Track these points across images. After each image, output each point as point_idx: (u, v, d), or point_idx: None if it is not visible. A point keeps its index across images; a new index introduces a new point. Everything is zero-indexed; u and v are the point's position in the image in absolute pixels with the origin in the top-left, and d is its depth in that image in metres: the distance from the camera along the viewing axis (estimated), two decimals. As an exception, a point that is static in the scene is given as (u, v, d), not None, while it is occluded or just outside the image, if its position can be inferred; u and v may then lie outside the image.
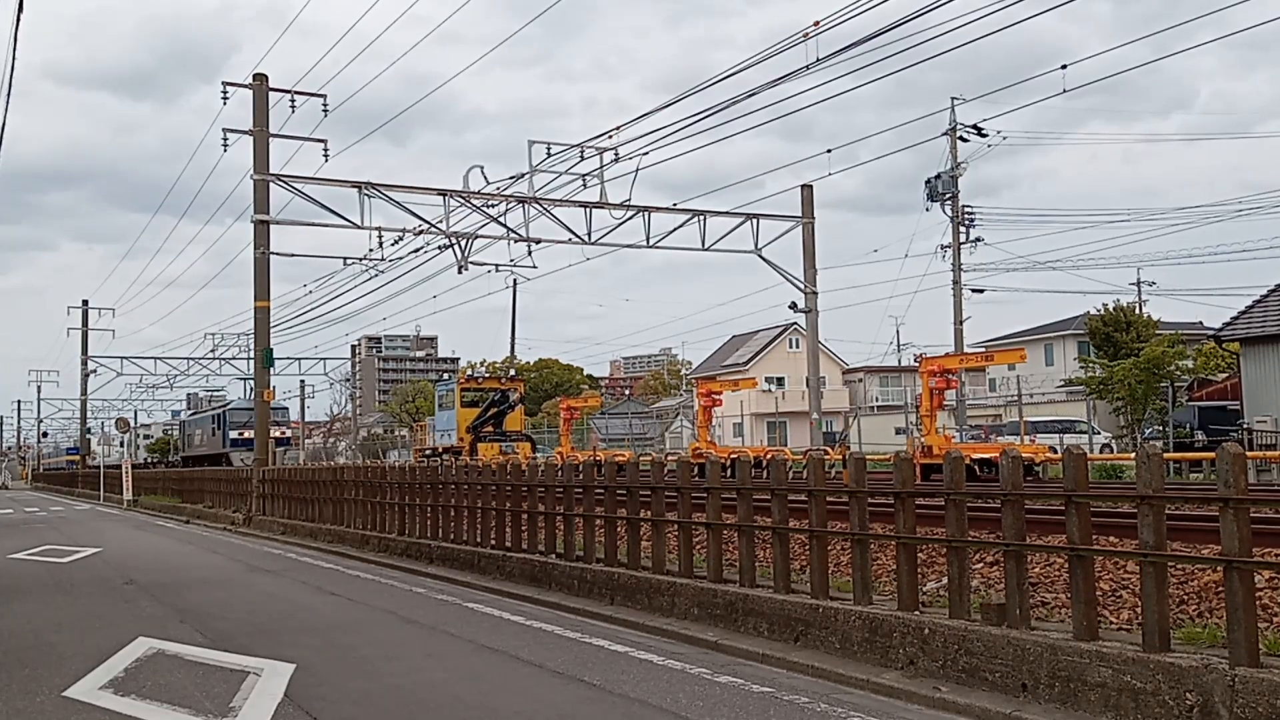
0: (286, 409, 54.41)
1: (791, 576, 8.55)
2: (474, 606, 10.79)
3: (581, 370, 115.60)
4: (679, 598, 9.34)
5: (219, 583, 13.58)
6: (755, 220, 28.97)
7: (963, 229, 36.77)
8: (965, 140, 36.19)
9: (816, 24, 19.47)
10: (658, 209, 27.82)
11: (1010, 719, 5.90)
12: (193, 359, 59.88)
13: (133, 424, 66.43)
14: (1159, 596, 5.78)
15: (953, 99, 36.28)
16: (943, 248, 37.11)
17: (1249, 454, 16.30)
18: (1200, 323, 49.96)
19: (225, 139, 25.49)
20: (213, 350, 56.55)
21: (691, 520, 9.72)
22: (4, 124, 16.10)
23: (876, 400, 66.36)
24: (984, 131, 35.99)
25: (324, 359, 59.87)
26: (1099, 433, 35.54)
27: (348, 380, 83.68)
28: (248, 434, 42.46)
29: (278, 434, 44.65)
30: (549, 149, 26.12)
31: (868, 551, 7.85)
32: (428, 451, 36.64)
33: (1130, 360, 32.95)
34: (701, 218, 27.94)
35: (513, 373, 52.56)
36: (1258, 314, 26.05)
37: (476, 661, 8.01)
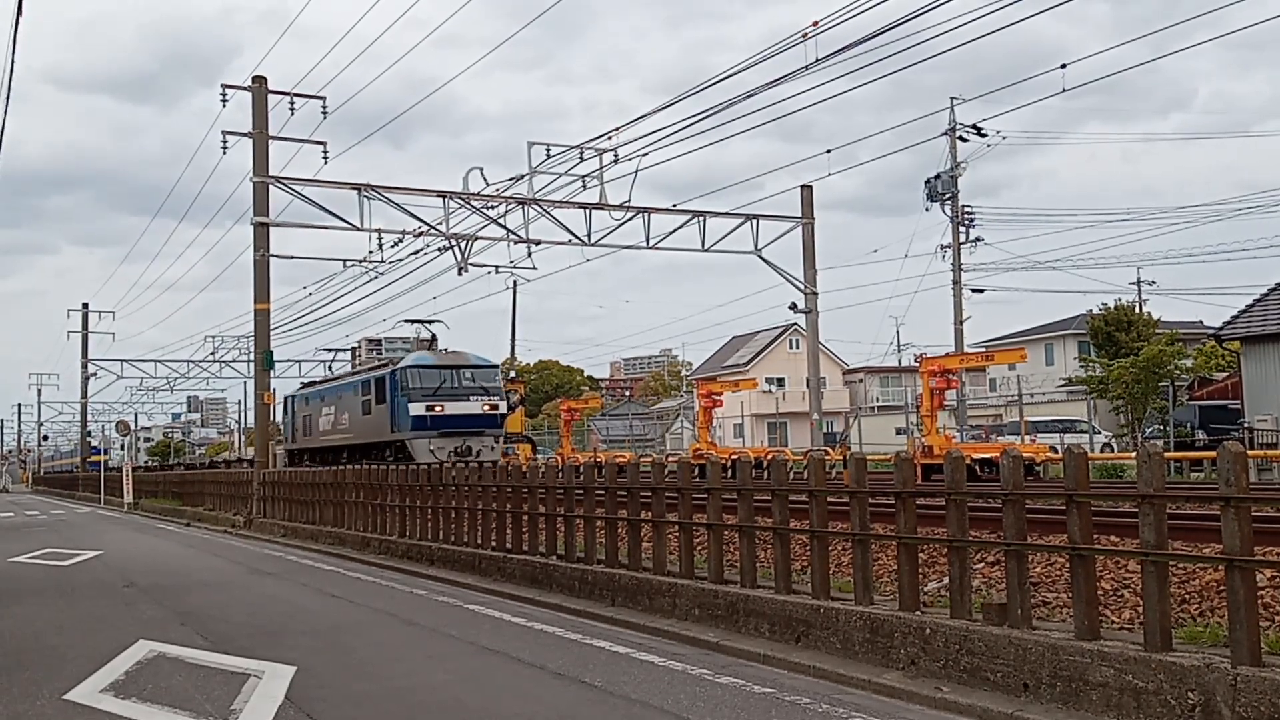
0: (494, 368, 31.27)
1: (792, 577, 8.54)
2: (475, 608, 10.79)
3: (582, 371, 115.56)
4: (680, 599, 9.34)
5: (219, 585, 13.57)
6: (755, 221, 28.96)
7: (962, 229, 36.77)
8: (964, 140, 36.19)
9: (815, 24, 19.48)
10: (657, 210, 27.81)
11: (1012, 719, 5.89)
12: (193, 362, 59.99)
13: (133, 427, 66.34)
14: (1160, 596, 5.77)
15: (952, 99, 36.29)
16: (943, 248, 37.12)
17: (1250, 453, 16.33)
18: (1200, 322, 49.93)
19: (225, 142, 25.50)
20: (213, 353, 56.64)
21: (692, 521, 9.71)
22: (3, 127, 16.10)
23: (877, 400, 66.35)
24: (983, 131, 35.99)
25: (324, 361, 59.98)
26: (1099, 432, 35.53)
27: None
28: (447, 408, 28.06)
29: (484, 408, 28.99)
30: (549, 150, 26.12)
31: (869, 552, 7.84)
32: None
33: (1129, 360, 32.94)
34: (701, 219, 27.93)
35: (513, 374, 52.54)
36: (1258, 313, 26.04)
37: (477, 663, 8.00)
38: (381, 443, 30.13)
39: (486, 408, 29.07)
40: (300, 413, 38.70)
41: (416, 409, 28.13)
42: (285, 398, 40.89)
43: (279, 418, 39.46)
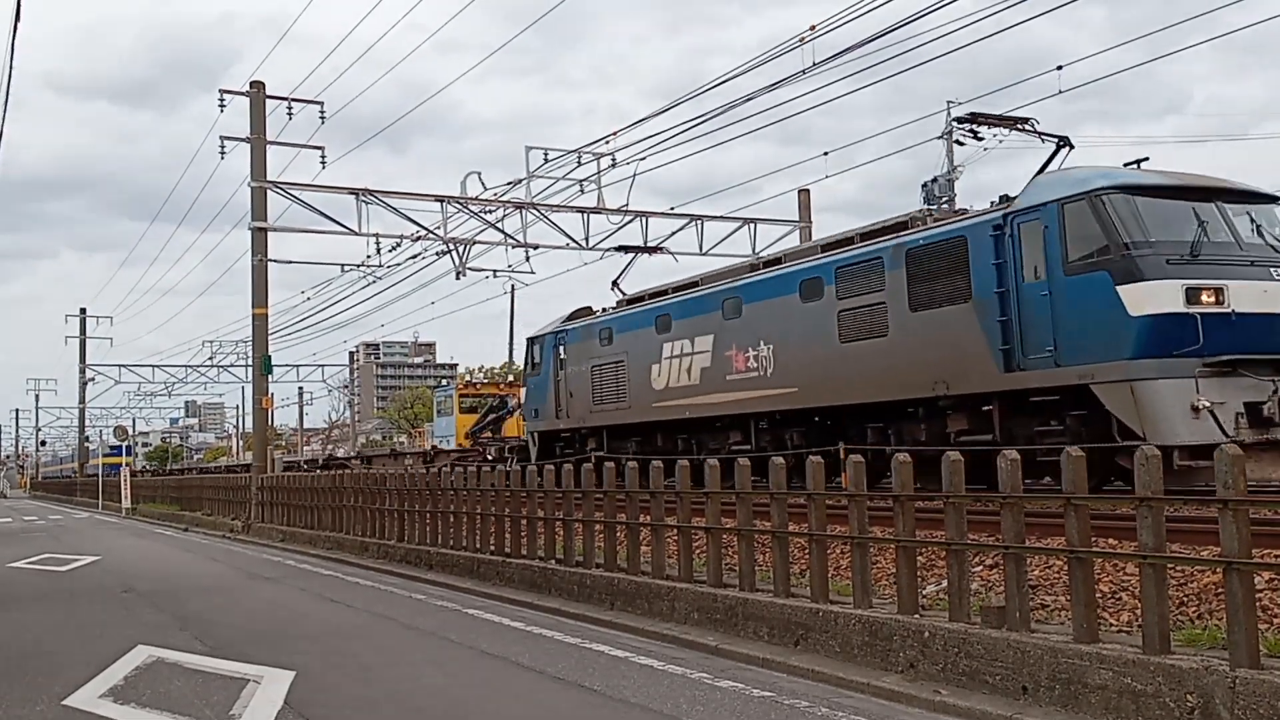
0: (1276, 201, 12.25)
1: (791, 580, 8.55)
2: (474, 612, 10.79)
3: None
4: (679, 602, 9.34)
5: (218, 590, 13.56)
6: (753, 224, 28.98)
7: (960, 232, 36.75)
8: (961, 144, 36.17)
9: (813, 28, 19.49)
10: (655, 214, 27.79)
11: (1011, 722, 5.90)
12: (191, 366, 60.09)
13: (131, 432, 66.24)
14: (1159, 598, 5.78)
15: (949, 102, 36.18)
16: (940, 251, 37.08)
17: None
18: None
19: (223, 146, 25.53)
20: (211, 358, 56.67)
21: (691, 525, 9.72)
22: (2, 132, 16.11)
23: (875, 404, 66.13)
24: (980, 135, 35.99)
25: (322, 366, 60.07)
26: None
27: (346, 387, 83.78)
28: (1232, 296, 10.72)
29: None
30: (546, 155, 26.12)
31: (867, 555, 7.85)
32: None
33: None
34: (699, 222, 27.94)
35: (511, 378, 52.58)
36: (1255, 315, 26.03)
37: (477, 668, 8.00)
38: (949, 400, 13.25)
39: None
40: (583, 360, 20.67)
41: (1152, 299, 11.03)
42: (529, 340, 23.78)
43: (527, 371, 23.40)
